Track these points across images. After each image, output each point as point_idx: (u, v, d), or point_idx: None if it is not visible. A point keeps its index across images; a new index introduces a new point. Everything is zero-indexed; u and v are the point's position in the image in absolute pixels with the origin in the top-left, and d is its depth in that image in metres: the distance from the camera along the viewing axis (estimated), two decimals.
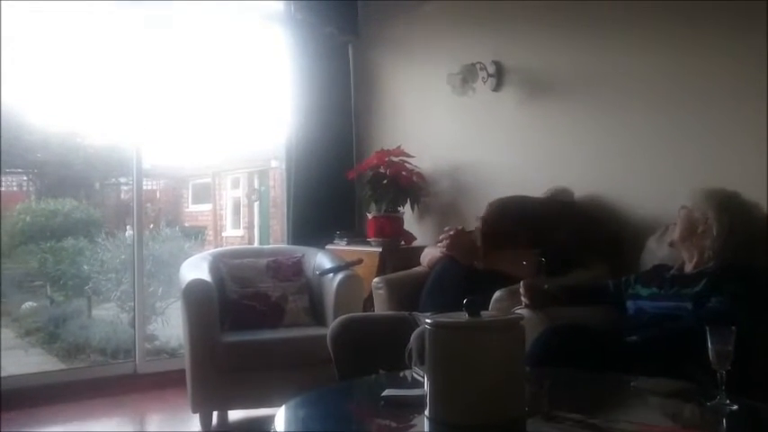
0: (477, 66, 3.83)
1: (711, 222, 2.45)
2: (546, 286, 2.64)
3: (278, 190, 6.87)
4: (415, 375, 2.04)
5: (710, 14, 2.96)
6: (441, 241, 3.31)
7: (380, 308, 3.44)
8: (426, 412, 1.66)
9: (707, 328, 1.79)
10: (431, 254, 3.47)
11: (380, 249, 4.00)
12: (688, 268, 2.53)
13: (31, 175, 6.22)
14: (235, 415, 3.63)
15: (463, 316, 1.68)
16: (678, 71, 3.09)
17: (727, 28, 2.93)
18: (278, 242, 5.60)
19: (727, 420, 1.73)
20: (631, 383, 1.94)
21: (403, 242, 4.16)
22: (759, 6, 2.79)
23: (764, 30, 2.76)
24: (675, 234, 2.58)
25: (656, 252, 2.85)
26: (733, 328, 1.77)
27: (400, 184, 4.13)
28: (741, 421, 1.75)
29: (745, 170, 2.79)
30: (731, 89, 2.91)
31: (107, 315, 5.32)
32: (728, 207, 2.46)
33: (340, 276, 3.64)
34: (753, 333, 2.06)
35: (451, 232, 3.26)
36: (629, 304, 2.57)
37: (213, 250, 4.17)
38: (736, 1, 2.87)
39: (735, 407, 1.72)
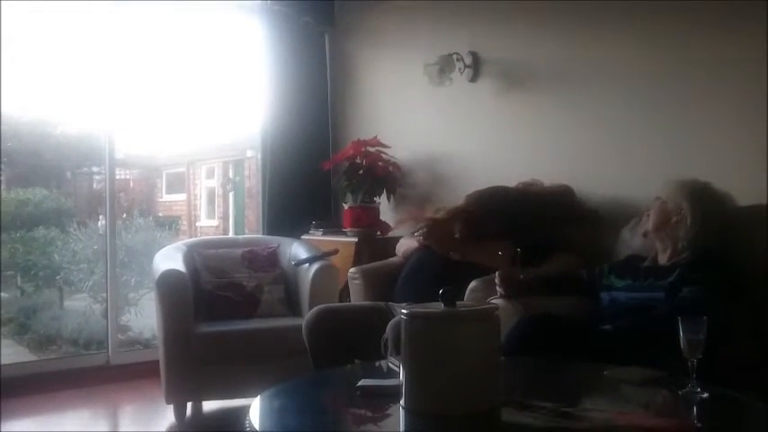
0: (454, 56, 3.83)
1: (685, 212, 2.48)
2: (521, 276, 2.66)
3: (253, 180, 6.82)
4: (391, 365, 2.03)
5: (683, 10, 2.99)
6: (417, 231, 3.31)
7: (356, 298, 3.43)
8: (402, 402, 1.66)
9: (678, 318, 1.81)
10: (406, 244, 3.47)
11: (356, 239, 4.00)
12: (662, 259, 2.55)
13: (0, 165, 6.10)
14: (209, 406, 3.62)
15: (439, 306, 1.68)
16: (651, 65, 3.13)
17: (698, 24, 2.96)
18: (253, 232, 5.57)
19: (698, 408, 1.75)
20: (604, 372, 1.96)
21: (379, 232, 4.16)
22: (731, 4, 2.83)
23: (734, 25, 2.81)
24: (649, 224, 2.60)
25: (629, 242, 2.88)
26: (704, 317, 1.79)
27: (376, 175, 4.12)
28: (711, 408, 1.77)
29: (716, 161, 2.84)
30: (702, 83, 2.96)
31: (79, 306, 5.25)
32: (702, 197, 2.49)
33: (316, 266, 3.63)
34: (724, 322, 2.08)
35: (428, 214, 3.27)
36: (604, 295, 2.59)
37: (187, 240, 4.14)
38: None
39: (705, 395, 1.75)
